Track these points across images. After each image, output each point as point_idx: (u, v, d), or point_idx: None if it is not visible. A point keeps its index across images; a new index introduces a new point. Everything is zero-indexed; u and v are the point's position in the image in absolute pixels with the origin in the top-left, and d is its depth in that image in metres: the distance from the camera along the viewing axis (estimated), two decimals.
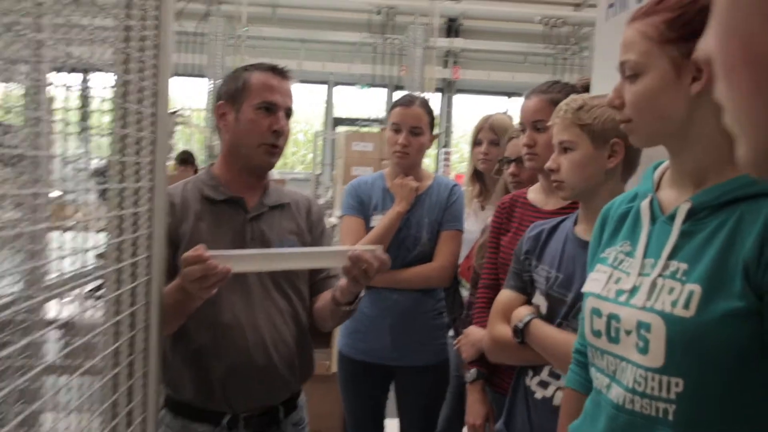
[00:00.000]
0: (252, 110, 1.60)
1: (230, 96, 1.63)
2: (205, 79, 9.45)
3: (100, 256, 1.08)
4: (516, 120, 2.44)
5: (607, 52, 1.87)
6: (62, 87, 0.93)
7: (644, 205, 1.06)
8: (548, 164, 1.50)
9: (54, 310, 1.02)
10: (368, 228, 2.24)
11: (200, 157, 8.08)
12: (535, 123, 1.73)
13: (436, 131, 2.31)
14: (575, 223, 1.53)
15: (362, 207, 2.27)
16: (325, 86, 11.17)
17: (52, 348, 1.03)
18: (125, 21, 1.08)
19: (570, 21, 9.78)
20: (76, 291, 1.01)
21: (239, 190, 1.64)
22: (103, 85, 1.08)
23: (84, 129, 1.01)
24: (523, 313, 1.52)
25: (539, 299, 1.52)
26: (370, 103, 10.65)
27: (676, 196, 1.03)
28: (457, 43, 10.40)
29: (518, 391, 1.59)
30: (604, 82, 1.84)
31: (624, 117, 1.04)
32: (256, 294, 1.59)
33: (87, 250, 0.97)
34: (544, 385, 1.51)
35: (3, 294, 0.91)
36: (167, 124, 1.24)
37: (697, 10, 0.95)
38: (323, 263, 1.59)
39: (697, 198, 0.98)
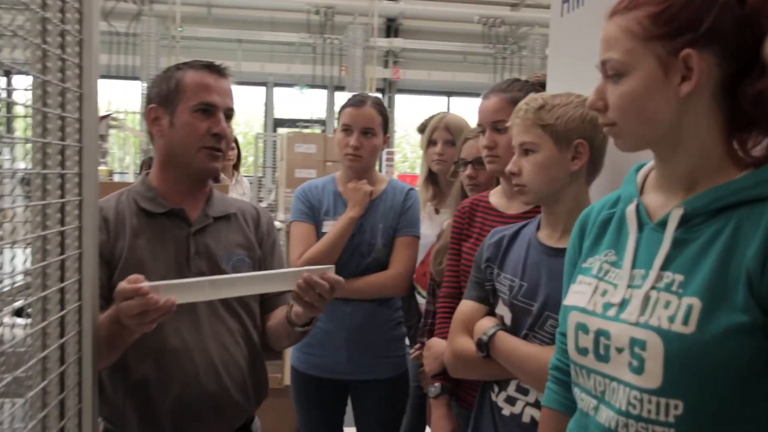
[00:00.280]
0: (188, 113, 1.46)
1: (163, 98, 1.49)
2: (139, 82, 9.16)
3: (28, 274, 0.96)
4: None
5: (563, 48, 1.81)
6: None
7: (630, 210, 0.98)
8: (509, 167, 1.42)
9: None
10: (320, 234, 2.13)
11: (136, 163, 7.80)
12: (495, 123, 1.65)
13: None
14: (537, 228, 1.46)
15: (313, 212, 2.16)
16: (264, 88, 11.01)
17: None
18: (40, 13, 0.94)
19: (508, 21, 9.90)
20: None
21: (179, 201, 1.51)
22: (22, 87, 0.96)
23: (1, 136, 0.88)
24: (486, 325, 1.44)
25: (503, 309, 1.44)
26: (310, 104, 10.53)
27: (663, 201, 0.96)
28: (397, 43, 10.42)
29: (483, 408, 1.51)
30: (559, 80, 1.78)
31: (607, 120, 0.96)
32: (203, 314, 1.46)
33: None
34: (511, 401, 1.43)
35: None
36: (96, 130, 1.10)
37: (683, 3, 0.88)
38: (275, 287, 1.42)
39: (691, 203, 0.91)
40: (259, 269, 1.54)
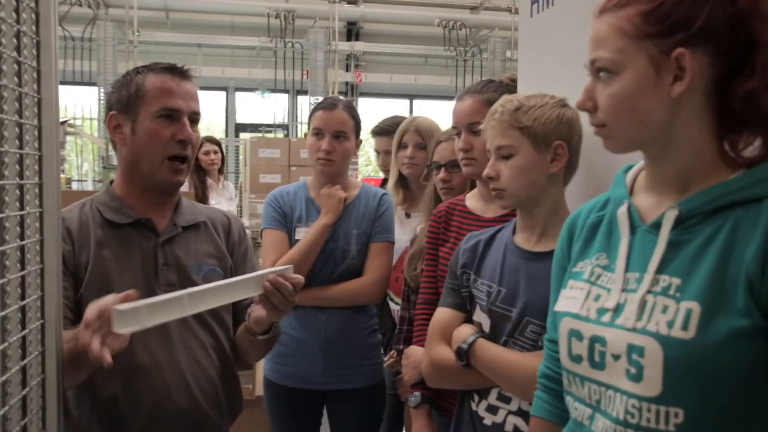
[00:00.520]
0: (151, 119, 1.40)
1: (123, 105, 1.42)
2: (96, 88, 8.94)
3: None
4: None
5: (532, 48, 1.80)
6: None
7: (621, 212, 0.95)
8: (486, 171, 1.39)
9: None
10: (292, 241, 2.07)
11: (95, 170, 7.59)
12: (470, 125, 1.61)
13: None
14: (513, 232, 1.43)
15: (285, 219, 2.10)
16: (225, 92, 10.87)
17: None
18: None
19: (468, 24, 9.93)
20: None
21: (146, 210, 1.44)
22: None
23: None
24: (465, 332, 1.41)
25: (481, 316, 1.41)
26: (272, 108, 10.42)
27: (655, 202, 0.93)
28: (358, 46, 10.38)
29: (463, 418, 1.47)
30: (530, 80, 1.77)
31: (597, 121, 0.94)
32: (173, 327, 1.40)
33: None
34: (492, 410, 1.39)
35: None
36: (57, 137, 1.04)
37: (675, 1, 0.85)
38: (242, 294, 1.33)
39: (685, 204, 0.88)
40: None
